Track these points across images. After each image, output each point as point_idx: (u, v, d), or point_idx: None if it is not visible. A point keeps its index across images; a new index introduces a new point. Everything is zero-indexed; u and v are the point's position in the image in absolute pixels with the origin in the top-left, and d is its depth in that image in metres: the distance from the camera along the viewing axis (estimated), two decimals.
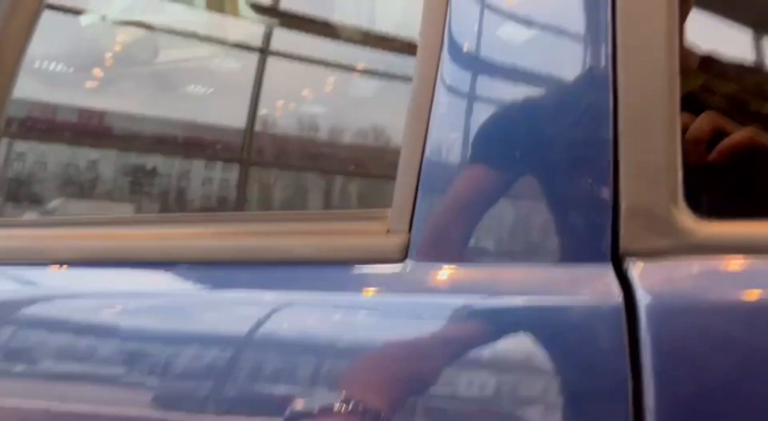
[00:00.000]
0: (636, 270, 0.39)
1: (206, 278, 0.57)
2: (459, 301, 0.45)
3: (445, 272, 0.47)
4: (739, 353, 0.37)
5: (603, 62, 0.39)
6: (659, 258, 0.38)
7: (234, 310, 0.54)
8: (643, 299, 0.38)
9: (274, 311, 0.52)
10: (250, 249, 0.57)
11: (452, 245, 0.47)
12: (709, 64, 0.69)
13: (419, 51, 0.50)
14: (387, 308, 0.49)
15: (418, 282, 0.48)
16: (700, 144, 0.49)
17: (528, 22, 0.45)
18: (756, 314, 0.37)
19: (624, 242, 0.39)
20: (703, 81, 0.67)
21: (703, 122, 0.50)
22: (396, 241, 0.49)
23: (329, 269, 0.53)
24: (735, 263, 0.38)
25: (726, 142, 0.50)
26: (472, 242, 0.46)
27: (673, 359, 0.37)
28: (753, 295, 0.37)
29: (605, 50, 0.39)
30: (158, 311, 0.57)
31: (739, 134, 0.50)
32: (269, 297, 0.53)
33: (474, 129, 0.46)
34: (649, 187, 0.38)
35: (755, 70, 0.67)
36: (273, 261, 0.56)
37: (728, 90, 0.63)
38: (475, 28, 0.46)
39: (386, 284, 0.50)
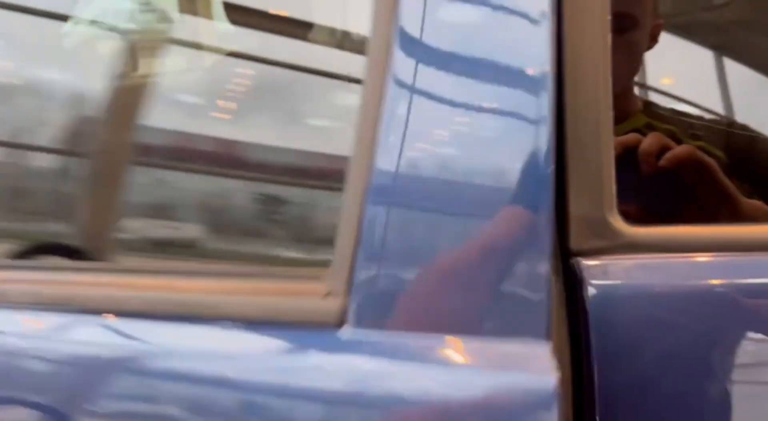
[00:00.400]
0: (581, 264, 0.48)
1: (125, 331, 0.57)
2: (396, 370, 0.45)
3: (384, 340, 0.45)
4: (660, 328, 0.47)
5: (548, 111, 0.49)
6: (599, 255, 0.48)
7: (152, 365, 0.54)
8: (587, 286, 0.48)
9: (195, 368, 0.51)
10: (178, 303, 0.55)
11: (393, 311, 0.46)
12: (650, 108, 0.82)
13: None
14: (316, 376, 0.46)
15: (355, 350, 0.45)
16: (650, 156, 0.60)
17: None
18: (674, 299, 0.48)
19: (572, 243, 0.49)
20: (646, 121, 0.79)
21: (653, 139, 0.62)
22: (332, 304, 0.46)
23: (261, 329, 0.51)
24: (657, 259, 0.48)
25: (673, 151, 0.61)
26: (412, 309, 0.46)
27: (609, 325, 0.47)
28: (671, 284, 0.48)
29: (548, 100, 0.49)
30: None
31: (683, 147, 0.62)
32: (191, 354, 0.52)
33: (417, 174, 0.48)
34: (591, 199, 0.48)
35: (686, 114, 0.80)
36: (202, 318, 0.53)
37: (665, 129, 0.75)
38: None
39: (319, 351, 0.47)
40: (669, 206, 0.61)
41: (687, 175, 0.62)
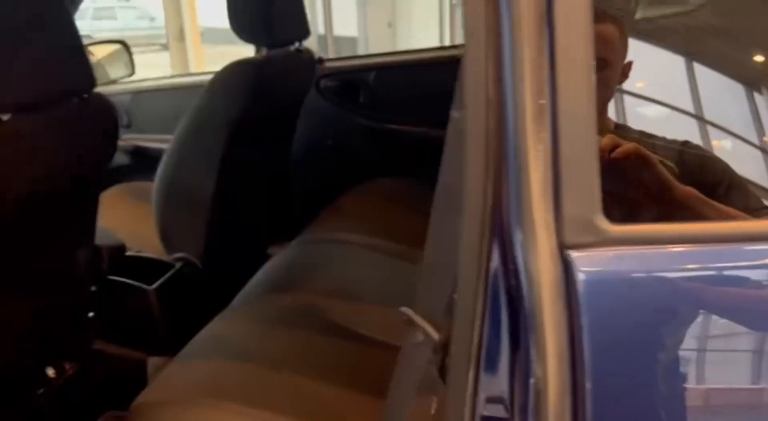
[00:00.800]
0: (572, 255, 0.61)
1: None
2: None
3: None
4: (634, 304, 0.60)
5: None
6: (587, 247, 0.62)
7: None
8: (577, 273, 0.61)
9: None
10: None
11: None
12: (619, 129, 0.96)
13: None
14: None
15: None
16: (605, 151, 0.76)
17: None
18: (646, 282, 0.61)
19: (566, 238, 0.62)
20: None
21: (608, 139, 0.78)
22: None
23: None
24: (634, 250, 0.62)
25: (622, 147, 0.77)
26: None
27: (595, 303, 0.60)
28: (643, 270, 0.61)
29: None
30: None
31: (629, 144, 0.78)
32: None
33: None
34: (581, 204, 0.62)
35: (648, 135, 0.93)
36: None
37: None
38: None
39: None
40: (621, 190, 0.76)
41: (633, 164, 0.77)
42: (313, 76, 2.38)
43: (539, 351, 0.62)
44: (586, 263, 0.61)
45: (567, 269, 0.61)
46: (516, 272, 0.65)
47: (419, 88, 2.51)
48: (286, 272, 1.80)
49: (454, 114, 0.80)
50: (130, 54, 2.68)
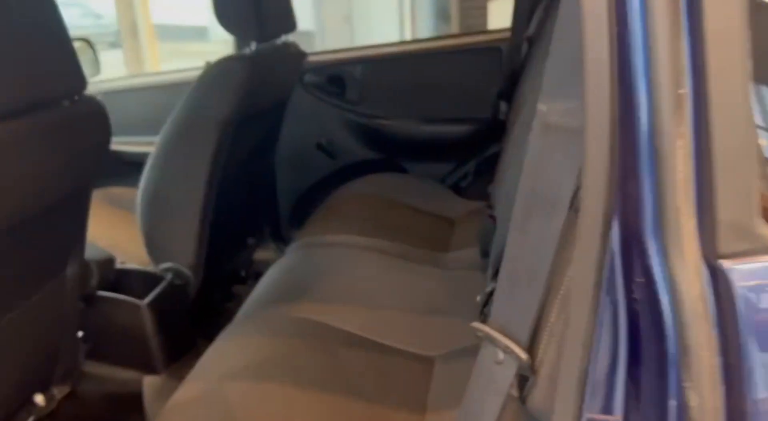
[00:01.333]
0: (728, 265, 0.54)
1: None
2: None
3: None
4: None
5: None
6: (744, 256, 0.54)
7: None
8: (735, 285, 0.53)
9: None
10: None
11: None
12: None
13: None
14: None
15: None
16: None
17: None
18: None
19: (719, 246, 0.54)
20: None
21: None
22: None
23: None
24: None
25: None
26: None
27: (755, 319, 0.54)
28: None
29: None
30: None
31: None
32: None
33: None
34: (735, 206, 0.54)
35: None
36: None
37: None
38: None
39: None
40: None
41: None
42: (299, 71, 2.27)
43: (693, 376, 0.54)
44: (743, 273, 0.54)
45: (719, 281, 0.54)
46: (650, 284, 0.57)
47: (409, 81, 2.42)
48: (289, 280, 1.70)
49: (541, 107, 0.71)
50: (95, 52, 2.51)
